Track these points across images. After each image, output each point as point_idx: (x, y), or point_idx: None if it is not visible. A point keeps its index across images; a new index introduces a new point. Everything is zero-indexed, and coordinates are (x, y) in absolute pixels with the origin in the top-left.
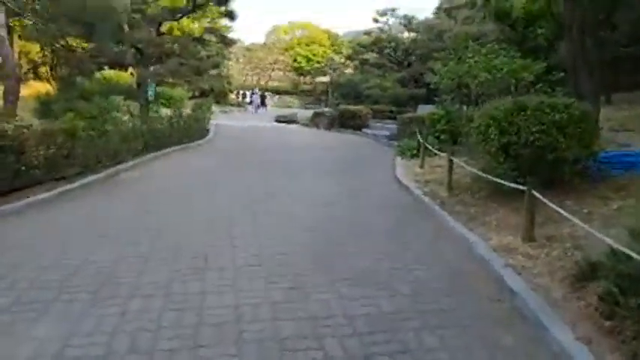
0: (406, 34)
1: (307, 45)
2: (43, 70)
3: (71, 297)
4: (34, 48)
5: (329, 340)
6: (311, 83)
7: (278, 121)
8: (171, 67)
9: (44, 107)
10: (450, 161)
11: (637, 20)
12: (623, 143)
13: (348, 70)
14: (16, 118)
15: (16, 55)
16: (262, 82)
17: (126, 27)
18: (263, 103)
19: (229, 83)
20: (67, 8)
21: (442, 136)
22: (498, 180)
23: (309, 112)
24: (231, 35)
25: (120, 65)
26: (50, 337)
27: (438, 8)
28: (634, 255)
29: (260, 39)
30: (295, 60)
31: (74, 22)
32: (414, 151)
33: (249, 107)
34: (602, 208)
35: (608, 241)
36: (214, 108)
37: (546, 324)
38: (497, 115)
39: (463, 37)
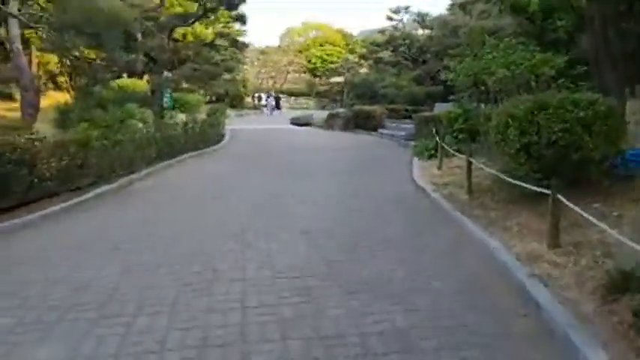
0: (420, 31)
1: (321, 45)
2: (62, 80)
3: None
4: (53, 59)
5: None
6: (326, 84)
7: (293, 123)
8: (185, 72)
9: (63, 117)
10: (469, 162)
11: None
12: None
13: (363, 70)
14: (33, 131)
15: (34, 67)
16: (278, 85)
17: (139, 35)
18: (278, 106)
19: (245, 87)
20: (73, 18)
21: (460, 136)
22: (520, 183)
23: (325, 114)
24: (245, 39)
25: (133, 73)
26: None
27: (452, 4)
28: None
29: (274, 42)
30: (310, 61)
31: (81, 33)
32: (432, 152)
33: (265, 110)
34: (633, 211)
35: None
36: (230, 112)
37: (577, 343)
38: (516, 114)
39: (479, 32)
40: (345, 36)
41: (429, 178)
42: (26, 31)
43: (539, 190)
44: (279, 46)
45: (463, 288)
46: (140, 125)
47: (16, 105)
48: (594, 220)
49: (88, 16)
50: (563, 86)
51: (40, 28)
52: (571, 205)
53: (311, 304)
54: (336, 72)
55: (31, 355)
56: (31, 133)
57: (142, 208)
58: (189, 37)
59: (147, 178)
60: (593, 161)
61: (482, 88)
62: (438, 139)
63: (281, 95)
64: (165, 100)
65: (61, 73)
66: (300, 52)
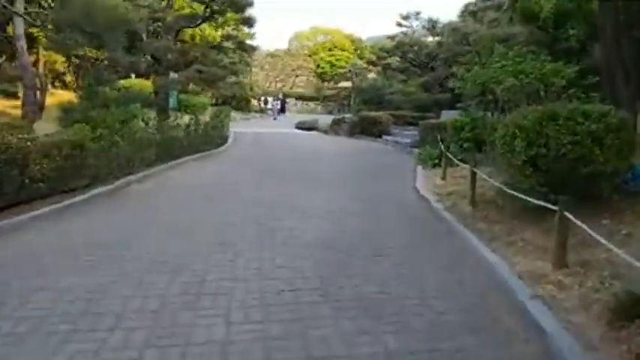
0: (430, 38)
1: (330, 50)
2: (69, 79)
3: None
4: (60, 58)
5: None
6: (334, 89)
7: (298, 127)
8: (191, 74)
9: (67, 116)
10: (473, 173)
11: None
12: None
13: (371, 75)
14: (28, 130)
15: (41, 66)
16: (286, 89)
17: (144, 36)
18: (283, 110)
19: (252, 90)
20: (73, 16)
21: (466, 145)
22: (525, 197)
23: (331, 118)
24: (253, 42)
25: (139, 74)
26: None
27: (463, 11)
28: None
29: (283, 45)
30: (319, 66)
31: (82, 31)
32: (436, 160)
33: (271, 114)
34: None
35: None
36: (236, 115)
37: None
38: (524, 125)
39: (489, 40)
40: (354, 41)
41: (432, 189)
42: (34, 30)
43: (546, 205)
44: (288, 49)
45: (463, 308)
46: (142, 126)
47: (21, 103)
48: (602, 240)
49: (87, 14)
50: (574, 96)
51: (44, 27)
52: (579, 223)
53: (299, 324)
54: (344, 77)
55: None
56: (27, 133)
57: (136, 211)
58: (198, 40)
59: (145, 180)
60: (604, 176)
61: (491, 97)
62: (442, 147)
63: (288, 99)
64: (171, 101)
65: (68, 72)
66: (309, 56)
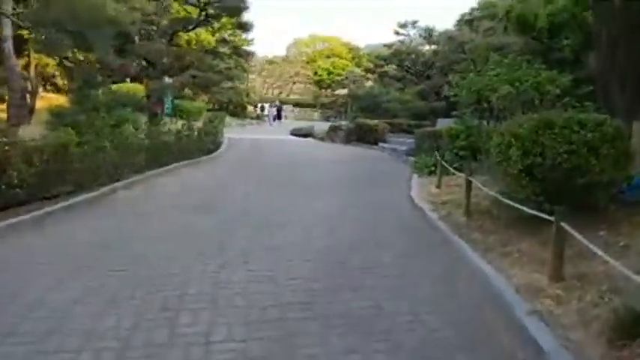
0: (427, 47)
1: (328, 57)
2: (60, 82)
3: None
4: (51, 61)
5: None
6: (331, 96)
7: (293, 134)
8: (185, 79)
9: (57, 119)
10: (468, 182)
11: None
12: None
13: (368, 83)
14: (5, 134)
15: (32, 69)
16: (284, 95)
17: (136, 38)
18: (279, 116)
19: (248, 96)
20: (56, 14)
21: (461, 153)
22: (521, 207)
23: (327, 125)
24: (251, 48)
25: (131, 78)
26: None
27: (459, 20)
28: None
29: (281, 52)
30: (316, 73)
31: (67, 31)
32: (431, 168)
33: (267, 120)
34: None
35: None
36: (231, 121)
37: None
38: (520, 133)
39: (484, 48)
40: (352, 49)
41: (427, 197)
42: (24, 33)
43: (542, 215)
44: (286, 56)
45: (457, 323)
46: (132, 130)
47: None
48: (599, 252)
49: (70, 12)
50: (569, 105)
51: (31, 28)
52: (576, 235)
53: (281, 343)
54: (341, 84)
55: None
56: (4, 136)
57: (120, 220)
58: (194, 44)
59: (132, 186)
60: (600, 186)
61: (486, 105)
62: (438, 156)
63: (285, 106)
64: (166, 106)
65: (60, 75)
66: (307, 63)
